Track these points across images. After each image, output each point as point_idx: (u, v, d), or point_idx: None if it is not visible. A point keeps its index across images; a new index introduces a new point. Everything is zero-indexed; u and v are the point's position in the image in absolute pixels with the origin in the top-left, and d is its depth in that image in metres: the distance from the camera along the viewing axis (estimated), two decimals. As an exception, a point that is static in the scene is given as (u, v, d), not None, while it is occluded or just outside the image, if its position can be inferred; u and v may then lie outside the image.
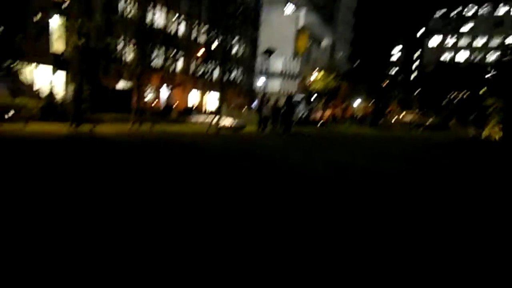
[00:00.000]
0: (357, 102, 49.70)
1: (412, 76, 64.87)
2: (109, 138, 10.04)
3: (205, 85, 41.52)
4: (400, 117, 44.42)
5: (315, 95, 29.98)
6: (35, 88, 25.71)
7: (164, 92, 40.30)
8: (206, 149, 9.37)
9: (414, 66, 75.84)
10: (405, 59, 77.26)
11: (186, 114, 20.23)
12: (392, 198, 4.92)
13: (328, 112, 37.13)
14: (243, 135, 14.47)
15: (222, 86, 14.92)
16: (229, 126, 16.05)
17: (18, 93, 13.07)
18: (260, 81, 39.98)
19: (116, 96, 20.00)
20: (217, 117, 14.04)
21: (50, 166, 5.54)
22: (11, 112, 11.08)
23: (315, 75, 31.27)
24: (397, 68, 65.98)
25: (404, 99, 48.67)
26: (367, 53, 45.18)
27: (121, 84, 36.25)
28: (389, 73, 48.24)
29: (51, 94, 12.81)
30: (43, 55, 27.96)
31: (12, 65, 10.41)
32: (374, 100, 44.99)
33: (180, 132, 13.58)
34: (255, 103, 47.47)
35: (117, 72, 35.05)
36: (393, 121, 42.27)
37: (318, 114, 33.96)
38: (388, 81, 45.13)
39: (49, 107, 12.51)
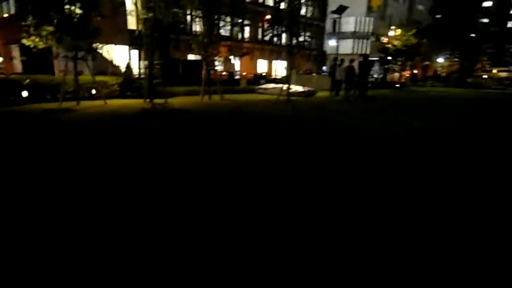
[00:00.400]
0: (440, 60, 44.81)
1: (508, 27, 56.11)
2: (180, 110, 10.11)
3: (273, 52, 40.73)
4: (492, 74, 39.23)
5: (392, 54, 27.38)
6: (114, 66, 27.50)
7: (233, 61, 40.57)
8: (276, 116, 8.96)
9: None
10: (498, 6, 66.80)
11: (255, 83, 19.88)
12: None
13: (406, 73, 34.11)
14: (315, 101, 13.73)
15: (290, 51, 14.15)
16: (300, 92, 15.36)
17: (100, 72, 13.84)
18: (331, 44, 37.77)
19: (186, 68, 20.30)
20: (286, 84, 13.44)
21: (131, 137, 5.60)
22: (93, 90, 11.71)
23: (392, 33, 28.51)
24: (487, 19, 57.59)
25: (497, 54, 42.54)
26: (451, 2, 39.67)
27: (191, 57, 37.39)
28: (478, 25, 42.13)
29: (127, 71, 13.23)
30: (120, 34, 29.64)
31: (92, 44, 10.80)
32: (459, 56, 40.10)
33: (249, 101, 13.31)
34: (325, 67, 45.55)
35: (187, 44, 36.07)
36: (483, 79, 37.49)
37: (396, 75, 31.30)
38: (476, 34, 39.58)
39: (126, 84, 12.99)
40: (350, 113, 10.35)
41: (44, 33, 9.59)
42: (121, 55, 30.48)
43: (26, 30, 9.66)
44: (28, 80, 10.63)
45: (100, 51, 13.34)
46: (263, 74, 27.92)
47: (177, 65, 20.06)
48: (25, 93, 10.48)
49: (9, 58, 22.90)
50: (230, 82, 18.83)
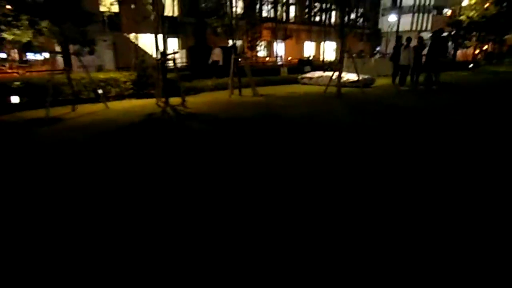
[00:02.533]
0: (519, 33, 38.05)
1: None
2: (196, 115, 7.71)
3: (321, 34, 37.00)
4: None
5: (466, 28, 22.77)
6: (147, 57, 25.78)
7: (276, 46, 37.49)
8: (325, 125, 6.22)
9: None
10: None
11: (299, 70, 16.93)
12: None
13: (477, 50, 28.93)
14: (375, 94, 10.63)
15: (341, 30, 11.08)
16: (353, 82, 12.28)
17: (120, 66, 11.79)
18: (386, 20, 33.22)
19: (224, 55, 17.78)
20: (337, 71, 10.45)
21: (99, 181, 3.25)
22: (100, 90, 9.65)
23: (466, 2, 23.76)
24: None
25: None
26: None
27: (231, 42, 34.98)
28: None
29: (141, 65, 10.99)
30: (153, 21, 27.88)
31: (86, 34, 8.66)
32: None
33: (289, 96, 10.57)
34: (378, 48, 40.82)
35: (227, 29, 33.65)
36: None
37: (468, 53, 26.44)
38: None
39: (140, 80, 10.80)
40: (437, 115, 7.26)
41: (24, 23, 7.58)
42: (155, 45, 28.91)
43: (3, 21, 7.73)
44: (18, 82, 8.77)
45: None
46: (310, 59, 24.72)
47: (209, 53, 17.72)
48: (15, 99, 8.63)
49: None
50: (267, 71, 16.07)
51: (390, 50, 33.43)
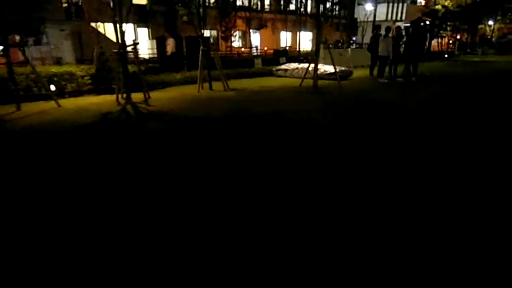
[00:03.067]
0: (491, 22, 38.73)
1: None
2: (159, 114, 6.93)
3: (297, 23, 36.37)
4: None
5: (441, 18, 22.64)
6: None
7: (252, 36, 36.58)
8: (301, 124, 5.59)
9: None
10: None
11: (275, 62, 16.23)
12: None
13: (451, 40, 29.06)
14: (353, 88, 10.09)
15: (317, 20, 10.44)
16: (330, 74, 11.72)
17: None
18: (364, 9, 32.85)
19: (190, 47, 16.77)
20: (313, 63, 9.82)
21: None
22: (52, 87, 8.66)
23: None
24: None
25: None
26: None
27: (207, 33, 33.77)
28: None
29: (100, 57, 9.98)
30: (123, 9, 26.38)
31: (31, 21, 7.65)
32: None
33: (263, 90, 9.89)
34: (354, 38, 40.60)
35: (194, 18, 32.38)
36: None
37: (443, 43, 26.41)
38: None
39: (100, 74, 9.83)
40: (419, 111, 6.77)
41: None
42: (126, 35, 27.45)
43: None
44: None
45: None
46: (286, 49, 24.06)
47: (181, 44, 16.73)
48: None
49: None
50: (241, 62, 15.30)
51: (366, 40, 33.27)
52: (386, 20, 47.14)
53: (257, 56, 17.69)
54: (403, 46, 12.02)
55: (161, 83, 11.00)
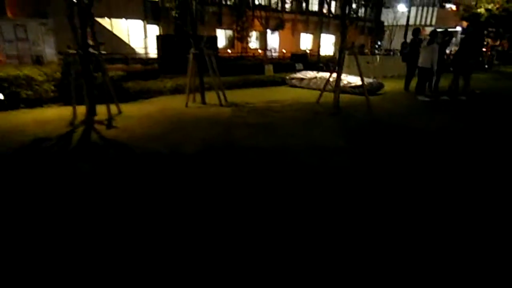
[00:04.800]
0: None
1: None
2: (113, 143, 4.90)
3: (318, 25, 33.96)
4: None
5: (485, 23, 19.86)
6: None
7: (270, 37, 34.36)
8: (302, 171, 3.42)
9: None
10: None
11: (290, 68, 14.01)
12: None
13: (489, 48, 26.08)
14: (383, 108, 7.81)
15: (342, 22, 8.17)
16: (355, 87, 9.47)
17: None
18: (392, 12, 30.11)
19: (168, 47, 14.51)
20: (334, 73, 7.56)
21: None
22: (0, 96, 6.77)
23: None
24: None
25: None
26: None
27: (220, 32, 31.76)
28: None
29: (66, 59, 7.90)
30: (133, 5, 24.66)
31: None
32: None
33: (268, 106, 7.72)
34: (379, 43, 37.80)
35: (215, 17, 30.36)
36: None
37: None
38: None
39: (65, 80, 7.85)
40: (487, 155, 4.49)
41: None
42: (135, 32, 25.80)
43: None
44: None
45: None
46: (305, 53, 21.72)
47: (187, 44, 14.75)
48: None
49: None
50: (249, 68, 13.15)
51: (395, 45, 30.59)
52: (414, 24, 44.07)
53: (264, 61, 15.37)
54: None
55: (146, 92, 9.00)
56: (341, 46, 7.51)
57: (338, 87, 7.33)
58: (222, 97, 8.00)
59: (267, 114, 6.83)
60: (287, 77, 11.47)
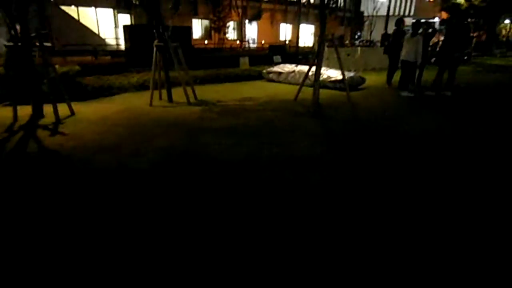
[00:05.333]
0: (507, 21, 35.58)
1: None
2: (54, 154, 4.12)
3: (297, 15, 33.27)
4: None
5: (464, 14, 19.60)
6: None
7: (249, 28, 33.38)
8: (290, 196, 2.79)
9: None
10: None
11: (269, 61, 13.30)
12: None
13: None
14: (366, 105, 7.24)
15: (321, 11, 7.50)
16: (335, 81, 8.88)
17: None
18: (371, 2, 29.60)
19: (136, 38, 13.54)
20: (314, 65, 6.89)
21: None
22: None
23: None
24: None
25: None
26: None
27: (196, 22, 30.57)
28: None
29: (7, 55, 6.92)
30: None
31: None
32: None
33: (242, 104, 7.03)
34: (359, 34, 37.42)
35: (190, 6, 29.11)
36: None
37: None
38: None
39: (7, 77, 6.90)
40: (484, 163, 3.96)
41: None
42: (105, 22, 24.41)
43: None
44: None
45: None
46: (285, 44, 21.02)
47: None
48: None
49: None
50: (223, 61, 12.38)
51: (374, 36, 30.19)
52: (393, 15, 43.89)
53: (239, 53, 14.57)
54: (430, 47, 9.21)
55: (108, 89, 8.13)
56: (321, 37, 6.85)
57: (317, 83, 6.69)
58: (191, 94, 7.25)
59: (239, 115, 6.13)
60: (264, 71, 10.76)
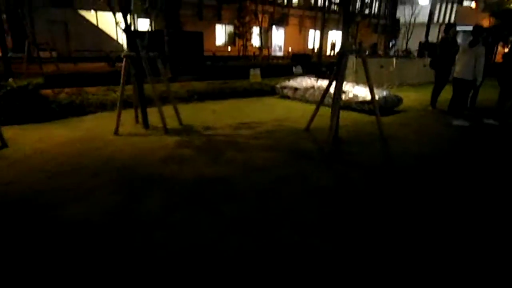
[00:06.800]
0: None
1: None
2: None
3: (332, 22, 31.23)
4: None
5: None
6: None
7: (275, 34, 31.70)
8: None
9: None
10: None
11: (285, 72, 11.53)
12: None
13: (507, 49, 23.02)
14: (404, 140, 5.31)
15: (344, 15, 5.64)
16: (363, 102, 6.97)
17: None
18: (411, 8, 26.99)
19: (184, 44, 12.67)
20: (333, 82, 4.97)
21: None
22: None
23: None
24: None
25: None
26: None
27: (219, 28, 29.24)
28: None
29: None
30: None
31: None
32: None
33: (236, 134, 5.30)
34: (394, 41, 34.79)
35: (213, 10, 27.80)
36: None
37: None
38: None
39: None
40: None
41: None
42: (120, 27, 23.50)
43: None
44: None
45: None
46: (307, 53, 19.13)
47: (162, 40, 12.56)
48: None
49: None
50: (236, 71, 10.72)
51: (411, 46, 27.61)
52: (432, 23, 40.85)
53: (253, 65, 12.84)
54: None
55: (79, 107, 6.64)
56: (343, 46, 5.02)
57: (336, 107, 4.85)
58: (164, 121, 5.58)
59: (222, 155, 4.38)
60: (278, 86, 8.95)
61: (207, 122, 6.07)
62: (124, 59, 5.27)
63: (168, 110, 5.74)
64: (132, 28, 5.54)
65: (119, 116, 5.31)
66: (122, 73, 5.32)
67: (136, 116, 5.94)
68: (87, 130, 5.49)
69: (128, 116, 5.93)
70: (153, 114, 5.59)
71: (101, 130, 5.46)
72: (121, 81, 5.36)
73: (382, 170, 4.06)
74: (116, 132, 5.25)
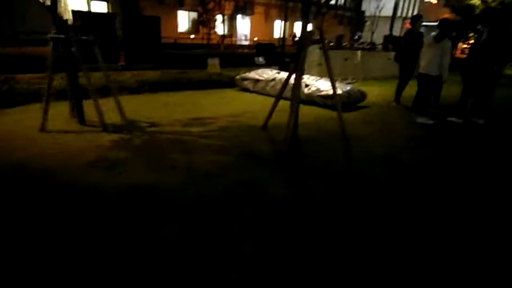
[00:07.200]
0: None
1: None
2: None
3: (295, 12, 30.79)
4: None
5: (476, 17, 17.31)
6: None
7: (241, 23, 30.92)
8: None
9: None
10: None
11: (247, 62, 10.98)
12: None
13: (466, 45, 23.75)
14: (372, 139, 4.97)
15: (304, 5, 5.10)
16: (325, 96, 6.59)
17: None
18: (372, 2, 26.97)
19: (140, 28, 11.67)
20: (297, 73, 4.50)
21: None
22: None
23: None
24: None
25: None
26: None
27: (182, 14, 28.03)
28: None
29: None
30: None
31: None
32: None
33: (185, 131, 4.72)
34: (359, 34, 35.06)
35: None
36: None
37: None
38: None
39: None
40: None
41: None
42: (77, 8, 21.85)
43: None
44: None
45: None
46: (274, 43, 18.62)
47: (113, 25, 11.54)
48: None
49: None
50: (190, 60, 10.03)
51: (376, 39, 27.82)
52: (396, 17, 41.55)
53: (209, 54, 12.13)
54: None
55: (7, 97, 5.78)
56: (302, 36, 4.55)
57: (294, 105, 4.39)
58: (111, 112, 4.91)
59: (165, 160, 3.79)
60: (237, 77, 8.39)
61: (155, 117, 5.43)
62: (51, 43, 4.51)
63: (112, 102, 5.05)
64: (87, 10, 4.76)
65: (46, 109, 4.56)
66: (48, 59, 4.55)
67: (72, 110, 5.19)
68: (11, 125, 4.70)
69: (64, 109, 5.19)
70: (93, 107, 4.88)
71: (27, 124, 4.69)
72: (48, 68, 4.59)
73: (343, 178, 3.64)
74: (42, 129, 4.51)
